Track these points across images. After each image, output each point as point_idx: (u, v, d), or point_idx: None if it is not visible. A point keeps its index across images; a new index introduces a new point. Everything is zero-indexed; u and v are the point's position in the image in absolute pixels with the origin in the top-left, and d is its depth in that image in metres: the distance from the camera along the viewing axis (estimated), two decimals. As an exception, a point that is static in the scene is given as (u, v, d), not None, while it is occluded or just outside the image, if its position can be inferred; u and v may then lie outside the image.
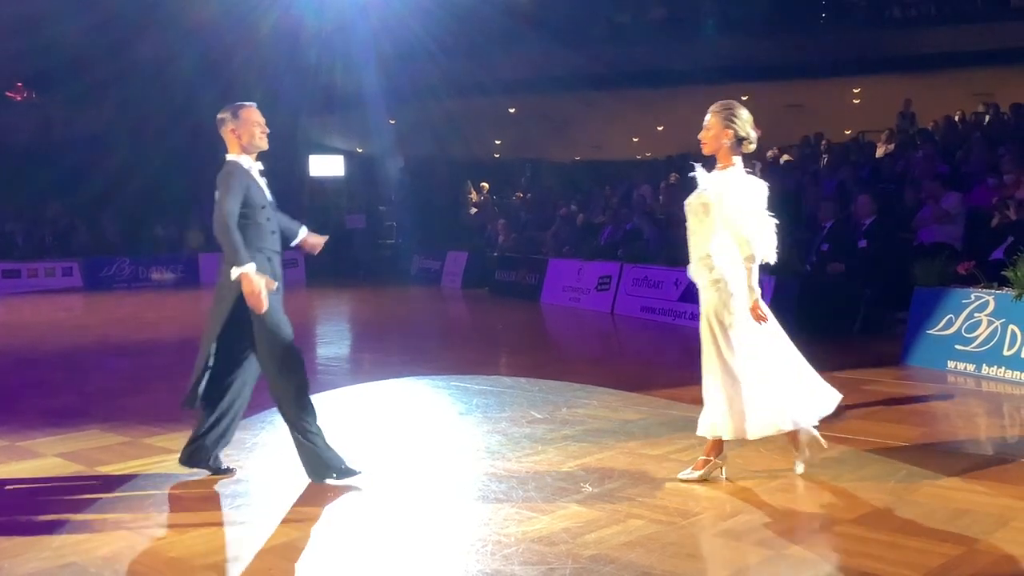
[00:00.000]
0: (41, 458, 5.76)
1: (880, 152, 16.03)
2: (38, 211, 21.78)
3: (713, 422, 4.92)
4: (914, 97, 18.96)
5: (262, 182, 5.10)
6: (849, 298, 10.32)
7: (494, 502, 4.71)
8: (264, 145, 5.11)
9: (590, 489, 4.87)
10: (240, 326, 4.95)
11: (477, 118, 23.10)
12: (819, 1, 24.07)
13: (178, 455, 5.75)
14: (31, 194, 21.41)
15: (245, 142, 5.03)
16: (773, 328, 4.91)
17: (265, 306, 4.82)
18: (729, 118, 4.88)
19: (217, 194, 4.90)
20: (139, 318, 14.68)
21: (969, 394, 7.53)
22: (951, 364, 8.12)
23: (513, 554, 4.00)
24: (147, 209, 22.55)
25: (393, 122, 22.79)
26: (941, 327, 8.29)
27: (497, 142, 28.72)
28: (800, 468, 4.99)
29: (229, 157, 5.03)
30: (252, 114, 5.06)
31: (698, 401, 6.96)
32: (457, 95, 21.17)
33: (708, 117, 4.95)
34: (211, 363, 5.04)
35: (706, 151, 4.96)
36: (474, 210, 21.51)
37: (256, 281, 4.80)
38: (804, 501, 4.61)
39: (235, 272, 4.78)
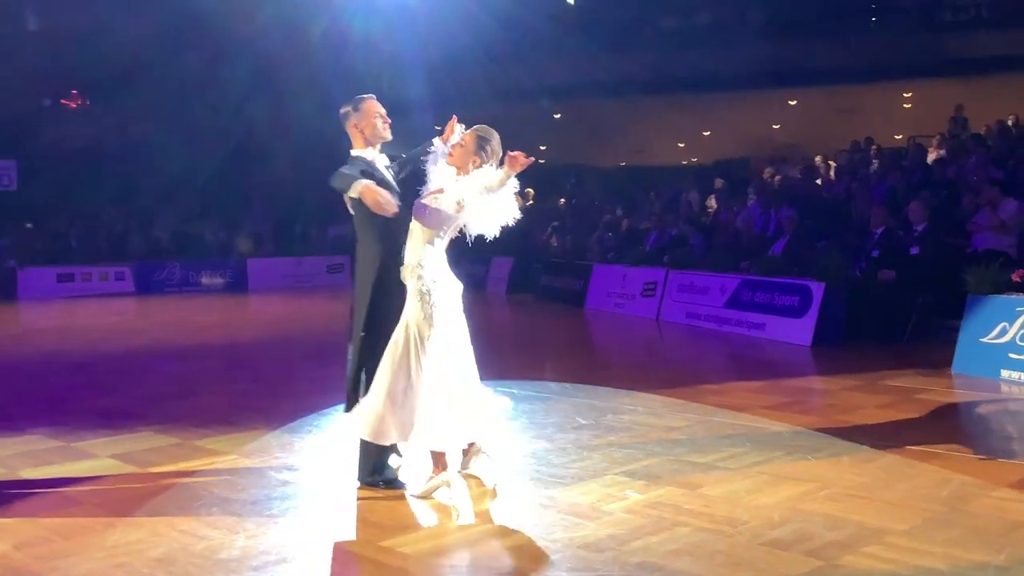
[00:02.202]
0: (95, 459, 5.88)
1: (932, 157, 15.75)
2: (92, 217, 22.22)
3: (363, 422, 4.84)
4: (966, 101, 18.64)
5: (387, 174, 5.05)
6: (900, 305, 10.16)
7: (539, 508, 4.70)
8: (387, 136, 5.10)
9: (636, 496, 4.85)
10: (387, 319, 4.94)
11: (522, 124, 23.13)
12: (869, 4, 23.78)
13: (230, 456, 5.84)
14: (86, 200, 21.86)
15: (368, 134, 5.04)
16: (463, 343, 4.98)
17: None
18: (483, 146, 4.95)
19: (338, 185, 4.89)
20: (189, 322, 14.91)
21: (1023, 403, 7.38)
22: (1004, 373, 7.96)
23: (559, 560, 3.99)
24: (198, 215, 22.93)
25: (439, 128, 22.90)
26: (995, 335, 8.14)
27: (542, 147, 28.75)
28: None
29: (353, 152, 5.05)
30: (373, 106, 5.07)
31: (744, 408, 6.95)
32: (503, 101, 21.23)
33: (466, 134, 5.01)
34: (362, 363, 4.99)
35: (449, 162, 4.99)
36: (520, 215, 21.53)
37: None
38: (854, 511, 4.54)
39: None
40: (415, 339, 4.82)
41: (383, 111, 5.08)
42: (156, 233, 22.36)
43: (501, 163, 4.93)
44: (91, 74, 22.54)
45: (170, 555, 4.15)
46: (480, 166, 4.94)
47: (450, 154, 5.00)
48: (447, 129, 5.14)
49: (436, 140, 5.15)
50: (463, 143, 4.98)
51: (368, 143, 5.06)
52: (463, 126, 5.13)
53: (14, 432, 6.59)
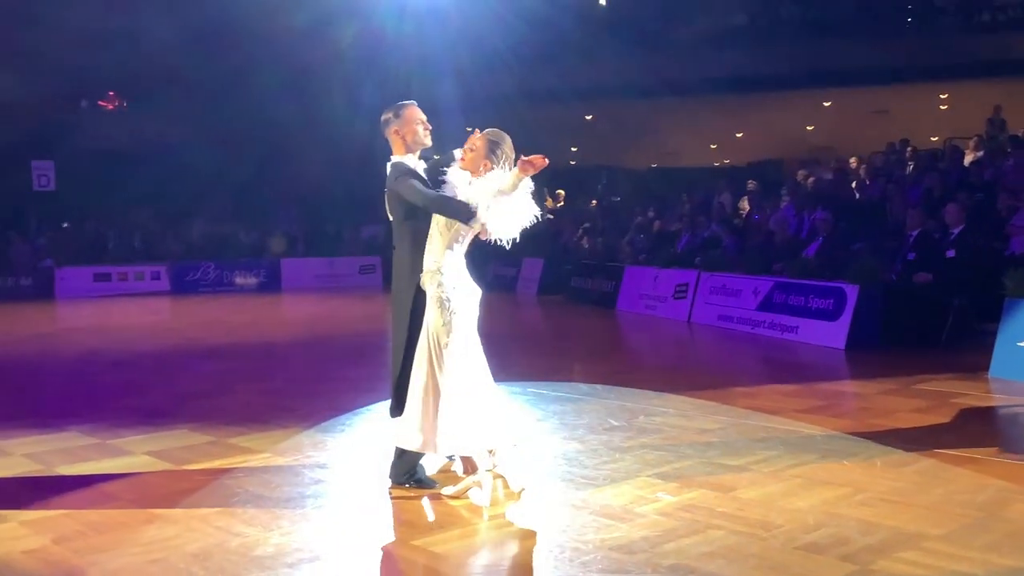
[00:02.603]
0: (131, 456, 5.96)
1: (969, 159, 15.56)
2: (128, 217, 22.50)
3: (405, 434, 4.90)
4: (1004, 103, 18.38)
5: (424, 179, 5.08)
6: (936, 308, 10.04)
7: (571, 509, 4.70)
8: (428, 142, 5.12)
9: (669, 498, 4.84)
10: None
11: (553, 125, 23.18)
12: (905, 4, 23.52)
13: (263, 454, 5.90)
14: (122, 200, 22.13)
15: (409, 140, 5.05)
16: (478, 352, 4.96)
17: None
18: (493, 150, 4.92)
19: (400, 193, 4.92)
20: (224, 322, 15.04)
21: (1063, 409, 7.26)
22: (1043, 377, 7.83)
23: (591, 561, 3.99)
24: (231, 216, 23.14)
25: (470, 130, 22.95)
26: (1033, 339, 8.01)
27: (573, 149, 28.74)
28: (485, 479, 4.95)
29: (394, 158, 5.06)
30: (414, 112, 5.09)
31: (777, 411, 6.91)
32: (533, 103, 21.24)
33: (477, 137, 4.98)
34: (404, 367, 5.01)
35: (462, 166, 5.01)
36: (550, 216, 21.53)
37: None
38: (889, 515, 4.49)
39: (478, 222, 4.78)
40: (434, 346, 4.85)
41: (424, 117, 5.10)
42: (190, 233, 22.58)
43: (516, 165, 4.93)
44: (128, 77, 22.85)
45: (206, 551, 4.20)
46: (492, 169, 4.93)
47: (462, 158, 5.01)
48: (468, 143, 5.12)
49: (456, 151, 5.17)
50: (474, 147, 4.97)
51: (409, 149, 5.07)
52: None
53: (52, 429, 6.70)
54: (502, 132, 5.04)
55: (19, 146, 21.56)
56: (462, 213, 4.80)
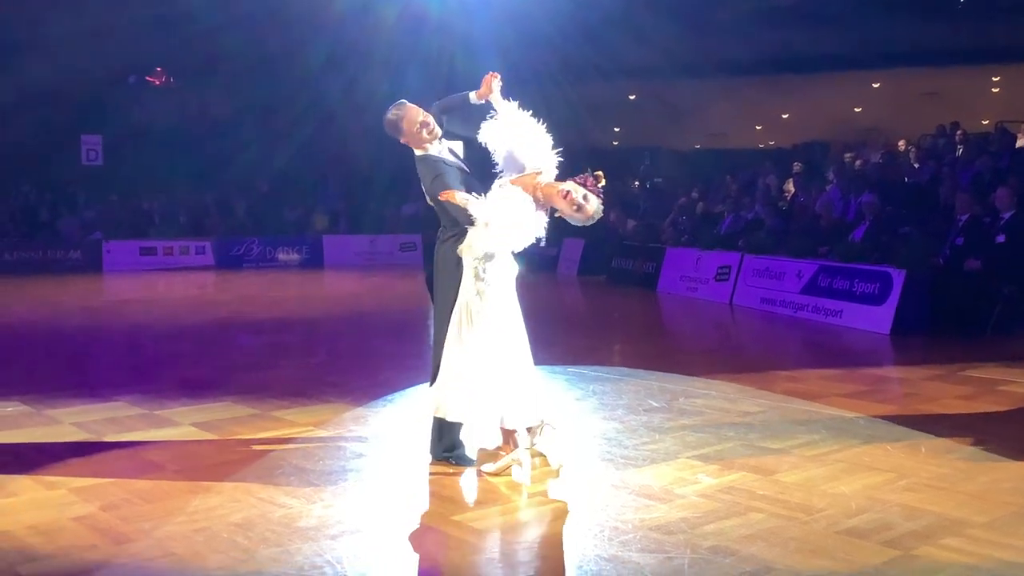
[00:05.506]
0: (177, 426, 6.06)
1: (1021, 143, 15.23)
2: (174, 192, 22.77)
3: (439, 402, 4.94)
4: (1060, 85, 17.95)
5: (455, 161, 5.12)
6: (985, 295, 9.87)
7: (611, 488, 4.71)
8: (431, 140, 5.08)
9: (709, 480, 4.82)
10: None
11: (596, 105, 23.01)
12: (958, -16, 22.98)
13: (306, 428, 5.96)
14: (168, 176, 22.40)
15: (416, 145, 5.08)
16: (519, 328, 4.96)
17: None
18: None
19: (430, 192, 4.99)
20: (267, 296, 15.21)
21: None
22: (1095, 367, 7.68)
23: (631, 540, 3.99)
24: (276, 193, 23.34)
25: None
26: (1085, 327, 7.86)
27: (616, 129, 28.54)
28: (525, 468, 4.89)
29: (418, 153, 5.10)
30: (413, 117, 5.06)
31: (820, 395, 6.85)
32: (577, 81, 21.09)
33: (555, 189, 5.05)
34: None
35: (512, 182, 5.00)
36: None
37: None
38: (933, 502, 4.44)
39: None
40: (466, 315, 4.88)
41: (421, 118, 5.04)
42: (235, 209, 22.81)
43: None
44: (175, 54, 23.06)
45: (249, 521, 4.26)
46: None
47: (512, 180, 4.98)
48: (483, 85, 5.17)
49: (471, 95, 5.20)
50: (547, 194, 5.01)
51: (427, 142, 5.07)
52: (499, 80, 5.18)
53: (100, 399, 6.82)
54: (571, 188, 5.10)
55: (68, 121, 21.87)
56: (461, 217, 4.86)
